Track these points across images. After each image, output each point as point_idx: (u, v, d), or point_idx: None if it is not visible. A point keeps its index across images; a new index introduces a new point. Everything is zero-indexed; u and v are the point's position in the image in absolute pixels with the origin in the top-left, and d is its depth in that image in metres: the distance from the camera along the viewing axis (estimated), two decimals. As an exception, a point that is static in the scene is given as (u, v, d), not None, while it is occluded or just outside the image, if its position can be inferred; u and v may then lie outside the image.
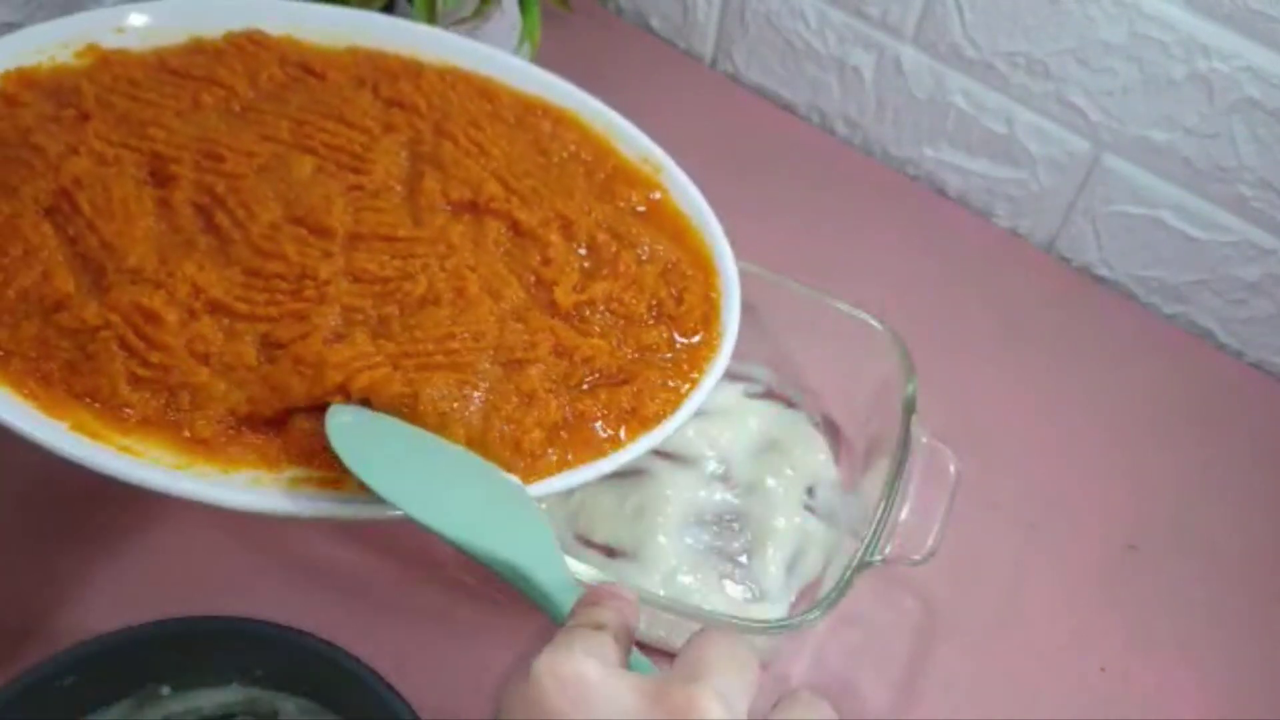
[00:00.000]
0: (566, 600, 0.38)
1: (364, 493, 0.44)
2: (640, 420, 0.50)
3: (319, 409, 0.46)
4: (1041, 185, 0.82)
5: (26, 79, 0.53)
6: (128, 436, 0.45)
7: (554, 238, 0.53)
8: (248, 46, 0.57)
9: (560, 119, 0.59)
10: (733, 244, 0.59)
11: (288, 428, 0.46)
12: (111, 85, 0.53)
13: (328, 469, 0.46)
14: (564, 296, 0.51)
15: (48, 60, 0.54)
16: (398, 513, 0.43)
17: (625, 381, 0.50)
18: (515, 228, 0.53)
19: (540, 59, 0.82)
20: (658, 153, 0.58)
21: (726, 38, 0.90)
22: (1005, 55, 0.78)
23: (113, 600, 0.57)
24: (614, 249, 0.53)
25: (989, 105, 0.80)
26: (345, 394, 0.46)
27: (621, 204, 0.56)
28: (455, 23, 0.76)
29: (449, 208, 0.53)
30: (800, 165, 0.86)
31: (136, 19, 0.56)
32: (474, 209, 0.53)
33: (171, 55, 0.56)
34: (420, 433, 0.45)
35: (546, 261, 0.52)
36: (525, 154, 0.56)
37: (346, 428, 0.44)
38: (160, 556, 0.59)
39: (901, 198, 0.86)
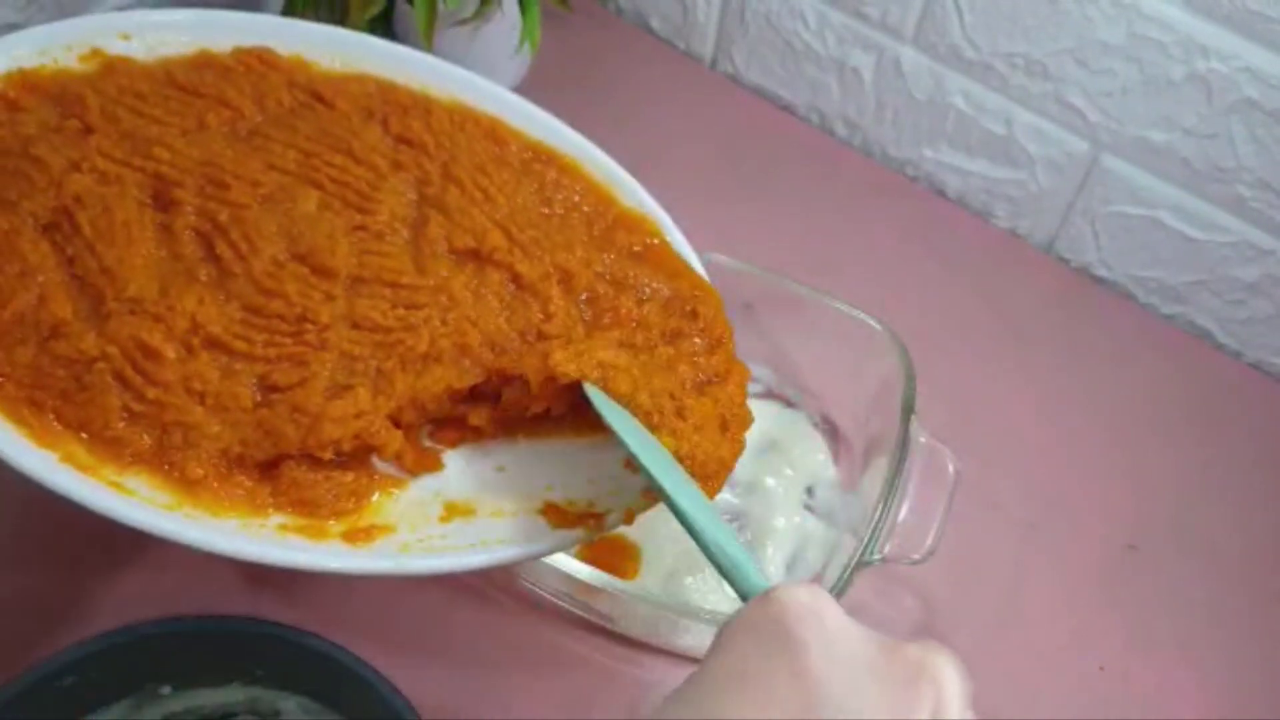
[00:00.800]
0: None
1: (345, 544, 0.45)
2: None
3: (310, 458, 0.46)
4: (1040, 186, 0.82)
5: (29, 82, 0.52)
6: (122, 474, 0.44)
7: (554, 292, 0.52)
8: (256, 66, 0.55)
9: (565, 168, 0.58)
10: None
11: (278, 474, 0.46)
12: (117, 97, 0.52)
13: (314, 518, 0.46)
14: None
15: (50, 63, 0.52)
16: (376, 570, 0.45)
17: (724, 376, 0.51)
18: (517, 280, 0.52)
19: (540, 59, 0.82)
20: (657, 211, 0.57)
21: (726, 38, 0.91)
22: (1004, 56, 0.78)
23: (113, 600, 0.57)
24: (613, 296, 0.53)
25: (988, 106, 0.81)
26: (338, 446, 0.46)
27: (620, 248, 0.56)
28: (456, 23, 0.77)
29: (452, 255, 0.52)
30: (800, 165, 0.86)
31: (144, 19, 0.55)
32: (476, 257, 0.52)
33: (178, 68, 0.54)
34: (644, 432, 0.46)
35: (548, 317, 0.52)
36: (529, 203, 0.55)
37: (600, 399, 0.46)
38: (160, 556, 0.59)
39: (901, 198, 0.86)
